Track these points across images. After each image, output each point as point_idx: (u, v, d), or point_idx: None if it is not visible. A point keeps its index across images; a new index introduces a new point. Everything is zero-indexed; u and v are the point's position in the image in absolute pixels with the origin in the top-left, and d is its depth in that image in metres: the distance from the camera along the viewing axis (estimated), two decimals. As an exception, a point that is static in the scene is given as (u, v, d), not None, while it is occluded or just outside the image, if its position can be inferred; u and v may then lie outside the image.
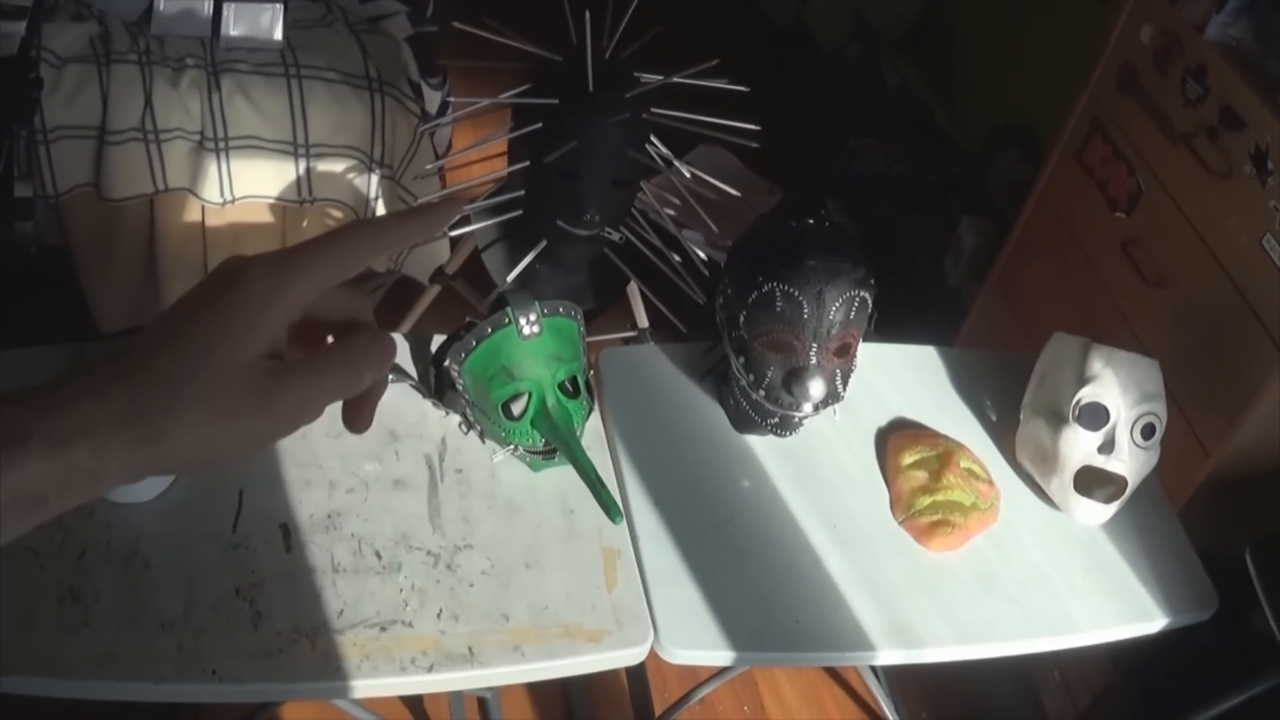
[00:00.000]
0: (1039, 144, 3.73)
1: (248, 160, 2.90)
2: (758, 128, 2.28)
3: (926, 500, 1.83)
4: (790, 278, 1.74)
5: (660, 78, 2.24)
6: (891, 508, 1.87)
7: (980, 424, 2.07)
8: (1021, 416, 2.00)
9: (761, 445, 1.92)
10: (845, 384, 1.83)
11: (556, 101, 2.17)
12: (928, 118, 4.47)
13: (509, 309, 1.66)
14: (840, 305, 1.75)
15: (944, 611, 1.73)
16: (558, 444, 1.67)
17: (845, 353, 1.81)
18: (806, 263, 1.74)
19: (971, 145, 4.17)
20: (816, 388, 1.75)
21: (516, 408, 1.69)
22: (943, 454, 1.89)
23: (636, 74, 2.25)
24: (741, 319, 1.81)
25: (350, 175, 3.00)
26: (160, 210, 2.93)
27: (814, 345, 1.76)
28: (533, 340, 1.67)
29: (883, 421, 2.02)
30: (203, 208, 2.94)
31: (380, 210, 3.05)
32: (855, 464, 1.94)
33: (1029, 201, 3.10)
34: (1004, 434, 2.04)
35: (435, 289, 2.86)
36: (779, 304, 1.75)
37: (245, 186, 2.92)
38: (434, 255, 3.11)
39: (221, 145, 2.85)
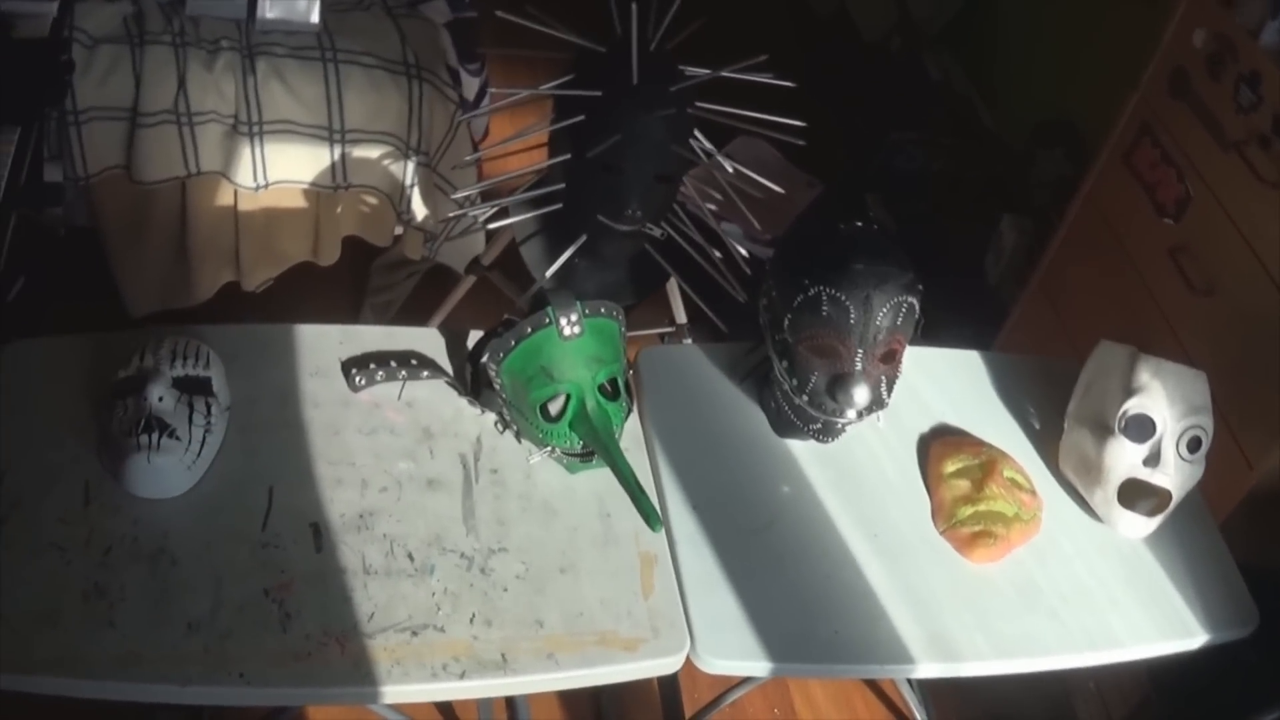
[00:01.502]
0: (1082, 142, 3.68)
1: (282, 145, 2.87)
2: (804, 124, 2.24)
3: (969, 510, 1.80)
4: (837, 282, 1.71)
5: (708, 72, 2.21)
6: (933, 517, 1.84)
7: (1023, 431, 2.04)
8: (1066, 425, 1.97)
9: (802, 450, 1.89)
10: (890, 391, 1.80)
11: (600, 94, 2.13)
12: (970, 113, 4.42)
13: (550, 309, 1.63)
14: (888, 311, 1.71)
15: (984, 624, 1.70)
16: (596, 447, 1.65)
17: (891, 359, 1.77)
18: (854, 267, 1.71)
19: (1014, 142, 4.12)
20: (861, 394, 1.72)
21: (555, 409, 1.67)
22: (985, 463, 1.86)
23: (681, 67, 2.22)
24: (786, 322, 1.77)
25: (386, 161, 2.97)
26: (192, 193, 2.91)
27: (860, 351, 1.73)
28: (574, 341, 1.64)
29: (925, 427, 1.99)
30: (235, 192, 2.93)
31: (416, 197, 3.02)
32: (897, 471, 1.91)
33: (1074, 203, 3.05)
34: (1047, 442, 2.01)
35: (470, 280, 2.84)
36: (825, 308, 1.72)
37: (279, 171, 2.90)
38: (470, 246, 3.09)
39: (255, 129, 2.82)
